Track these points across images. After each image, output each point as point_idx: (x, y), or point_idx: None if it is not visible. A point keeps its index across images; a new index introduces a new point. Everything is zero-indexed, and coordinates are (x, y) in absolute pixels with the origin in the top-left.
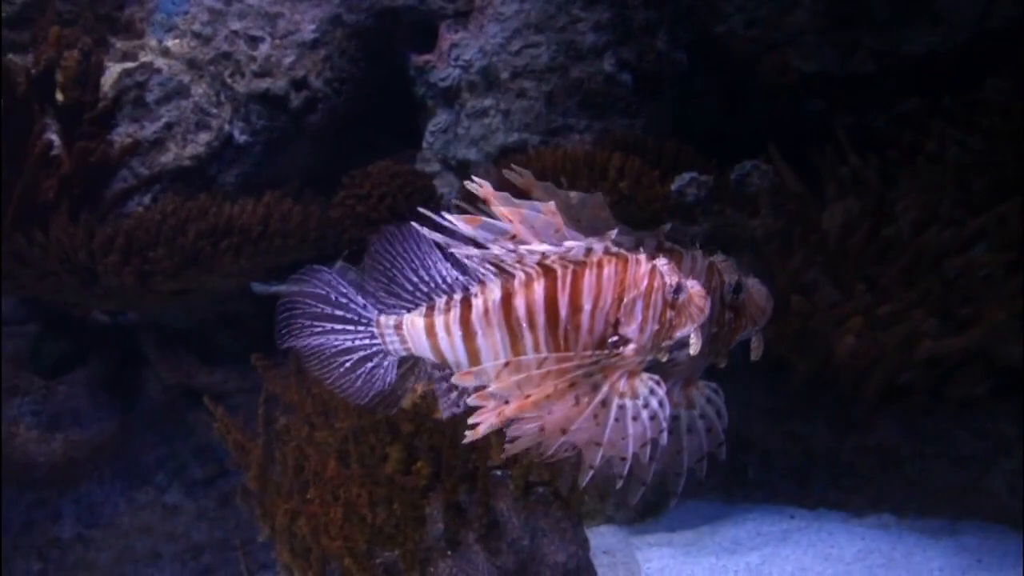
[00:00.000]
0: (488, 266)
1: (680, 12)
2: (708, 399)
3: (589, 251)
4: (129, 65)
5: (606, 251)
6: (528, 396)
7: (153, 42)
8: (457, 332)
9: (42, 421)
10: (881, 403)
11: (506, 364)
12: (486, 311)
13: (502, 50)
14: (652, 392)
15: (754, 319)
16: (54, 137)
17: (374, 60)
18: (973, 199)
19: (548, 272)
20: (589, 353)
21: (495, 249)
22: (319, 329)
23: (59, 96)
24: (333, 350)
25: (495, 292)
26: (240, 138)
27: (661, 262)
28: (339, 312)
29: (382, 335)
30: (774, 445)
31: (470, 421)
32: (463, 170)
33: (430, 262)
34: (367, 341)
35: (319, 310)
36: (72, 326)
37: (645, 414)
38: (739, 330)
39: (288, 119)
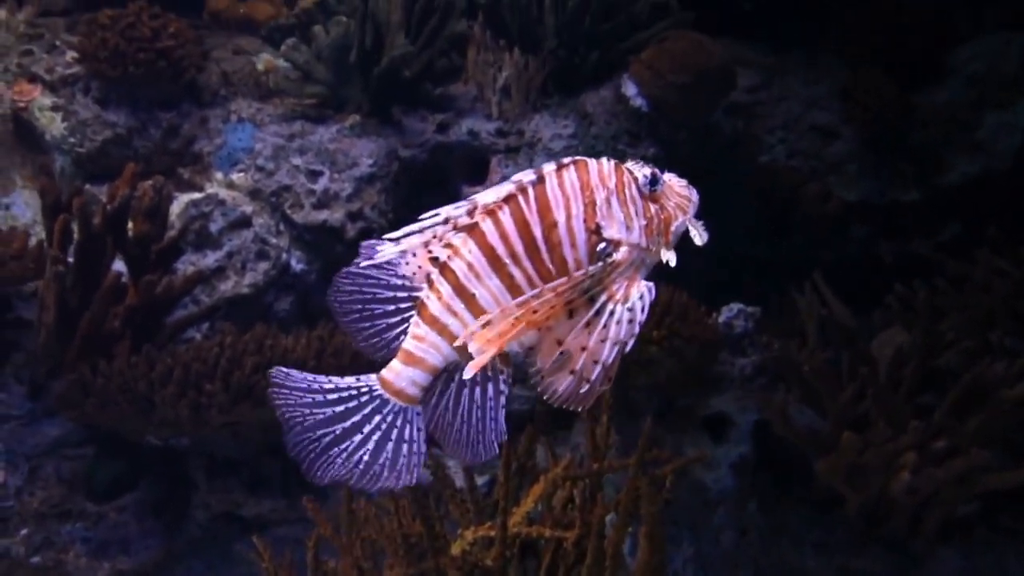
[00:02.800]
0: (452, 233)
1: (724, 144)
2: (640, 295)
3: (540, 169)
4: (196, 196)
5: (558, 163)
6: (524, 317)
7: (219, 175)
8: (459, 305)
9: (91, 548)
10: (938, 536)
11: (501, 312)
12: (470, 266)
13: None
14: (641, 297)
15: (682, 207)
16: (123, 267)
17: (427, 191)
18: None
19: (509, 199)
20: (582, 273)
21: (448, 212)
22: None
23: (130, 227)
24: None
25: (468, 243)
26: (297, 267)
27: (628, 162)
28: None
29: (398, 390)
30: None
31: (472, 350)
32: None
33: (391, 272)
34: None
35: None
36: (126, 450)
37: (627, 317)
38: (670, 221)
39: (343, 249)
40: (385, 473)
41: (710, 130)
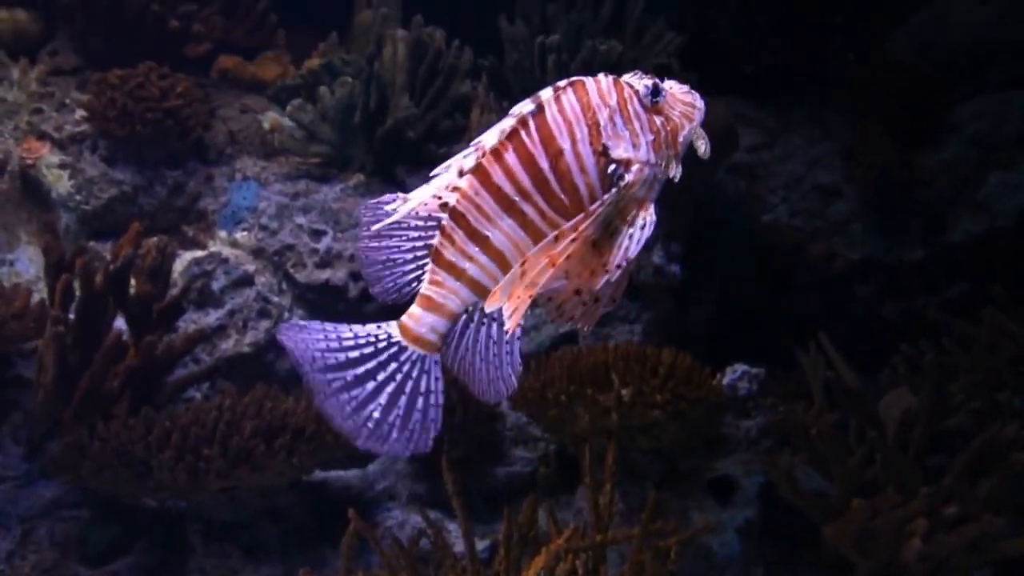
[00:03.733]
0: (458, 177)
1: (727, 204)
2: (643, 223)
3: (537, 97)
4: (199, 254)
5: (555, 88)
6: (551, 264)
7: (223, 233)
8: (474, 249)
9: None
10: None
11: (522, 264)
12: (479, 208)
13: None
14: (643, 226)
15: (687, 115)
16: (124, 327)
17: None
18: None
19: (512, 135)
20: (597, 204)
21: (457, 161)
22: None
23: (132, 285)
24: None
25: (474, 185)
26: None
27: (626, 75)
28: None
29: (417, 336)
30: None
31: (505, 316)
32: None
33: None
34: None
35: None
36: (122, 512)
37: (626, 244)
38: (677, 131)
39: (345, 307)
40: (395, 434)
41: (713, 190)
